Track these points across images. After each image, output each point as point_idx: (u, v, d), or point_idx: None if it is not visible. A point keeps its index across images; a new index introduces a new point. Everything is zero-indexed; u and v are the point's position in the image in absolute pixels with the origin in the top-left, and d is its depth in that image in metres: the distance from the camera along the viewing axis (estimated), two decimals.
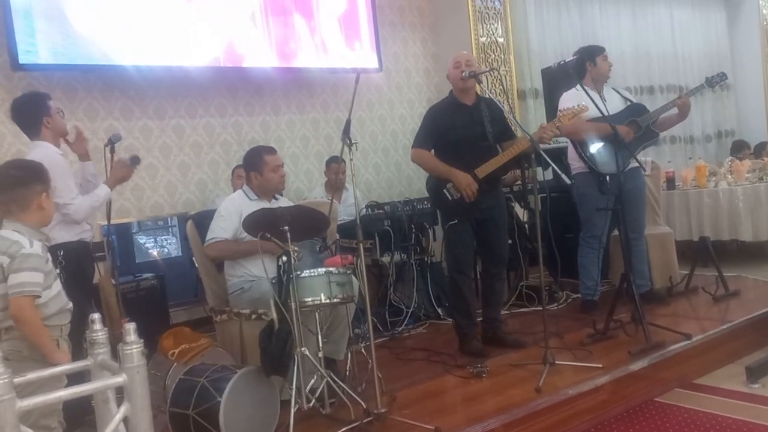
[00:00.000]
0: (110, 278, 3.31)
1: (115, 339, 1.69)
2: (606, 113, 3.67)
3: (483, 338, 3.59)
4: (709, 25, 8.20)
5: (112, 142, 3.08)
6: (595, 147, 3.93)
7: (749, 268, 4.97)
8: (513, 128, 3.63)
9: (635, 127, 3.93)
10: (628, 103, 4.08)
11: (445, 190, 3.44)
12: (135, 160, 3.18)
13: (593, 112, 3.71)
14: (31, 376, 1.54)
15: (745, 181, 5.40)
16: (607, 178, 3.90)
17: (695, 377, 3.26)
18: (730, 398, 3.00)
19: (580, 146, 4.02)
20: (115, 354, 1.59)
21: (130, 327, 1.43)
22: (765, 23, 8.33)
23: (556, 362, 3.06)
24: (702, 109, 8.05)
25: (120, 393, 1.47)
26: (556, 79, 5.35)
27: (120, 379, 1.41)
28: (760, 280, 4.66)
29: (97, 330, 1.56)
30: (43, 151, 2.81)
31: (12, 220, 2.10)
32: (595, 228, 4.07)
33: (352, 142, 2.82)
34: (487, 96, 3.62)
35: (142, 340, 1.45)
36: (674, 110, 4.03)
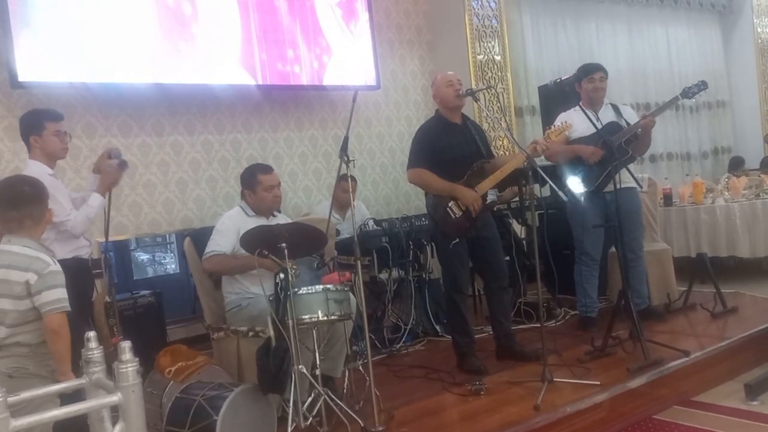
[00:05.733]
0: (104, 296, 3.30)
1: (108, 357, 1.69)
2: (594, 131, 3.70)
3: (497, 354, 3.61)
4: (704, 43, 8.28)
5: (111, 157, 3.09)
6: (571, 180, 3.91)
7: (747, 285, 4.97)
8: (511, 145, 3.67)
9: (608, 146, 3.77)
10: (611, 121, 4.00)
11: (447, 209, 3.44)
12: (123, 165, 3.14)
13: (580, 131, 3.73)
14: (25, 395, 1.55)
15: (742, 198, 5.42)
16: (582, 197, 3.86)
17: (694, 394, 3.24)
18: (729, 416, 2.98)
19: (560, 168, 4.01)
20: (110, 372, 1.59)
21: (125, 345, 1.43)
22: (759, 41, 8.42)
23: (555, 379, 3.05)
24: (699, 126, 8.10)
25: (115, 412, 1.47)
26: (553, 97, 5.39)
27: (115, 398, 1.40)
28: (758, 296, 4.66)
29: (93, 348, 1.56)
30: (33, 170, 2.82)
31: (21, 235, 2.12)
32: (588, 245, 4.07)
33: (350, 159, 2.83)
34: (484, 113, 3.66)
35: (137, 359, 1.45)
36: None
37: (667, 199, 5.58)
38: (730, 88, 8.48)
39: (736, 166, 7.32)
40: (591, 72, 4.06)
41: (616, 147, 3.80)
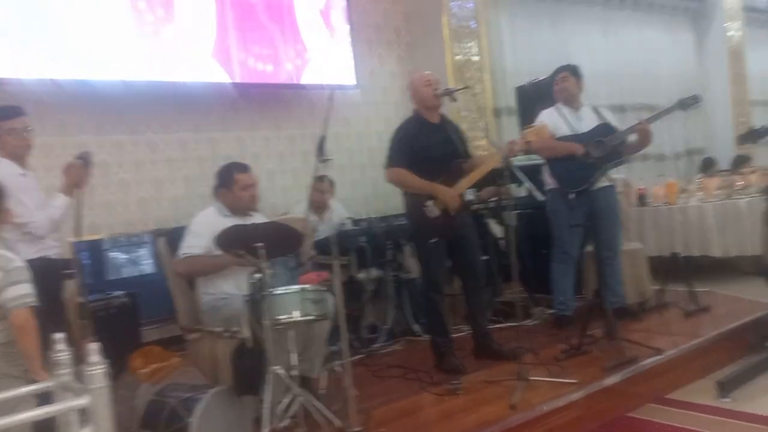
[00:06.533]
0: (75, 296, 3.23)
1: (80, 359, 1.65)
2: (576, 132, 3.74)
3: (475, 353, 3.61)
4: (678, 45, 8.43)
5: (82, 159, 3.02)
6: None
7: (719, 284, 5.05)
8: (488, 145, 3.69)
9: (601, 148, 3.92)
10: (604, 122, 4.12)
11: (425, 208, 3.44)
12: (87, 161, 3.06)
13: (563, 130, 3.79)
14: None
15: (715, 198, 5.51)
16: (570, 195, 3.97)
17: (668, 392, 3.29)
18: (702, 413, 3.03)
19: (547, 164, 4.11)
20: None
21: (93, 347, 1.40)
22: (730, 44, 8.58)
23: (531, 378, 3.07)
24: (672, 128, 8.22)
25: (84, 415, 1.44)
26: (530, 97, 5.43)
27: (83, 400, 1.37)
28: (730, 295, 4.74)
29: (61, 350, 1.53)
30: (1, 170, 2.75)
31: None
32: (566, 244, 4.11)
33: (327, 158, 2.82)
34: (462, 113, 3.67)
35: (106, 361, 1.42)
36: (635, 136, 4.04)
37: (642, 199, 5.66)
38: (703, 91, 8.60)
39: (708, 166, 7.44)
40: (557, 73, 4.20)
41: (611, 149, 3.90)
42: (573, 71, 4.17)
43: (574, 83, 4.13)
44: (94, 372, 1.39)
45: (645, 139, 4.03)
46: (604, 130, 4.04)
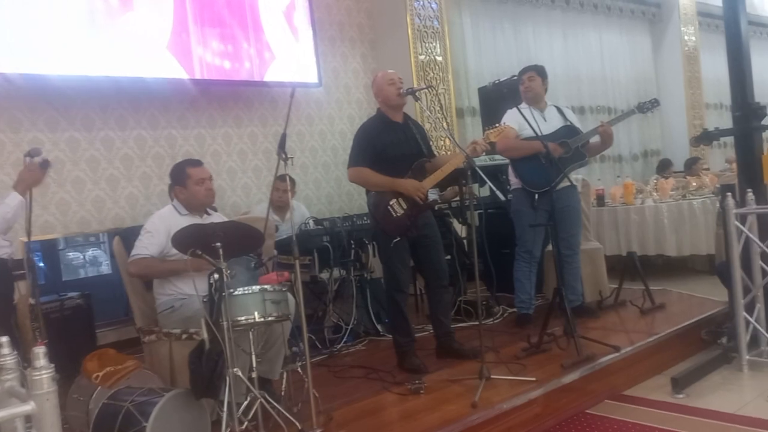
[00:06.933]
0: (27, 298, 3.13)
1: (30, 363, 1.59)
2: (540, 132, 3.79)
3: (437, 352, 3.62)
4: (635, 49, 8.62)
5: (31, 156, 2.92)
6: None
7: (674, 282, 5.19)
8: (452, 145, 3.70)
9: (565, 148, 4.05)
10: (568, 123, 4.19)
11: (389, 207, 3.43)
12: (45, 164, 2.97)
13: (529, 130, 3.84)
14: None
15: (670, 199, 5.65)
16: (536, 196, 4.04)
17: (624, 389, 3.35)
18: (656, 409, 3.09)
19: (512, 164, 4.15)
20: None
21: (40, 351, 1.34)
22: (686, 48, 8.82)
23: (492, 377, 3.09)
24: (629, 130, 8.42)
25: (29, 422, 1.38)
26: (492, 98, 5.48)
27: (28, 407, 1.31)
28: (684, 293, 4.86)
29: (5, 354, 1.46)
30: None
31: None
32: (528, 243, 4.16)
33: (288, 156, 2.78)
34: (425, 113, 3.67)
35: (53, 365, 1.36)
36: (598, 138, 4.15)
37: (600, 199, 5.77)
38: (659, 93, 8.84)
39: (664, 167, 7.64)
40: (523, 73, 4.26)
41: (575, 149, 4.00)
42: (539, 71, 4.22)
43: (539, 83, 4.18)
44: (40, 377, 1.33)
45: (607, 140, 4.14)
46: (568, 131, 4.14)
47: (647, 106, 4.24)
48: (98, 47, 4.41)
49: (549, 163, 3.89)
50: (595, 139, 4.18)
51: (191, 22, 4.86)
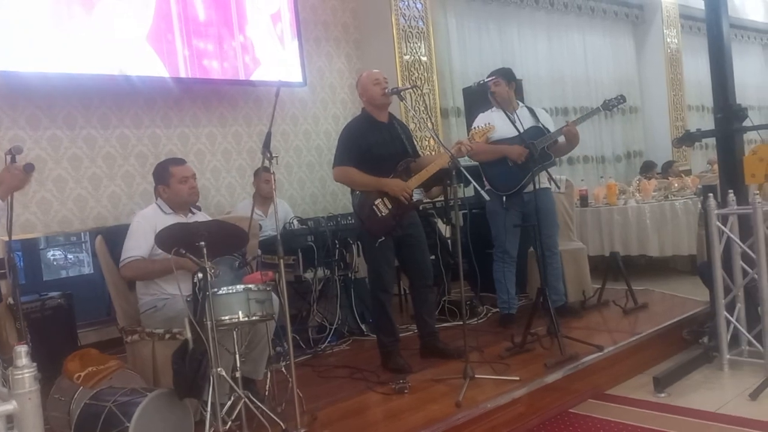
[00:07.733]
0: (7, 298, 3.08)
1: (9, 363, 1.57)
2: (513, 134, 3.82)
3: (422, 352, 3.63)
4: (618, 51, 8.69)
5: (12, 154, 2.87)
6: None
7: (656, 282, 5.25)
8: (437, 145, 3.71)
9: (532, 149, 3.95)
10: (540, 124, 4.18)
11: (374, 207, 3.43)
12: (29, 167, 2.91)
13: (500, 133, 3.86)
14: None
15: (652, 200, 5.72)
16: (503, 198, 4.06)
17: (607, 388, 3.38)
18: (639, 408, 3.13)
19: (481, 167, 4.17)
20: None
21: (21, 350, 1.33)
22: (669, 51, 8.92)
23: (476, 376, 3.10)
24: (612, 131, 8.49)
25: (11, 422, 1.37)
26: (476, 99, 5.48)
27: (9, 406, 1.30)
28: (666, 293, 4.92)
29: None
30: None
31: None
32: (504, 243, 4.19)
33: (273, 155, 2.77)
34: (410, 113, 3.68)
35: (35, 364, 1.35)
36: (563, 138, 4.13)
37: (583, 200, 5.82)
38: (642, 95, 8.95)
39: (648, 169, 7.74)
40: (489, 77, 4.18)
41: (540, 151, 3.97)
42: (504, 75, 4.18)
43: (504, 87, 4.14)
44: (21, 376, 1.32)
45: (572, 140, 4.13)
46: (535, 132, 4.11)
47: (612, 103, 4.21)
48: (81, 44, 4.34)
49: (516, 166, 3.90)
50: (561, 139, 4.18)
51: (176, 21, 4.82)
